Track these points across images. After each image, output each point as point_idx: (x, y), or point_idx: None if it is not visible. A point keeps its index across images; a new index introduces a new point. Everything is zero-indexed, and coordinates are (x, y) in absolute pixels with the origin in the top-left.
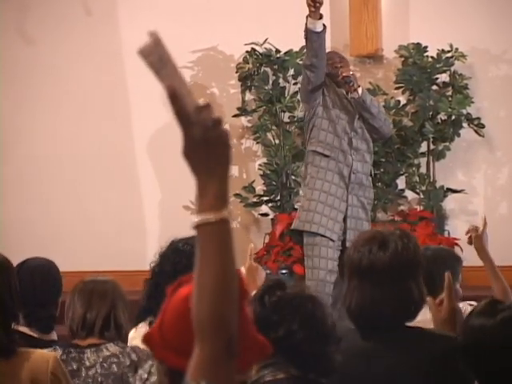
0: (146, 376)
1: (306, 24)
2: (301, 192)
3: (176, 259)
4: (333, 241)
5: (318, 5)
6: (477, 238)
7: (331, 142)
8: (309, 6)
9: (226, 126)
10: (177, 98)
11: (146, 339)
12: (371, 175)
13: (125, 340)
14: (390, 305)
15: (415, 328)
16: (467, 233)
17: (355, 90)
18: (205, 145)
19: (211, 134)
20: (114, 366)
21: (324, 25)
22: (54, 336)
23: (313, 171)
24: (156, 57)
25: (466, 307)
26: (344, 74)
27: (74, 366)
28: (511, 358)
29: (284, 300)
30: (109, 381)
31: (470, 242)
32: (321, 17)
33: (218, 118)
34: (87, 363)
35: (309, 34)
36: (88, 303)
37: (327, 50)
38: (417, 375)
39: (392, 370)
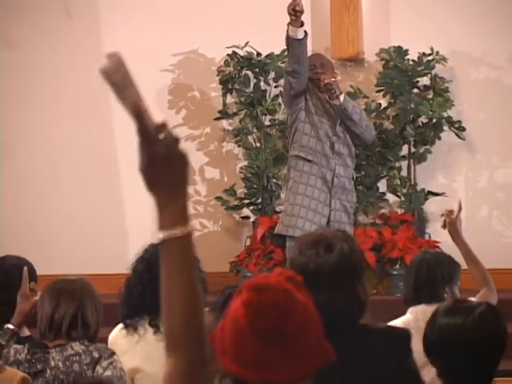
0: (101, 371)
1: (288, 31)
2: (283, 196)
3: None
4: None
5: (298, 14)
6: (451, 223)
7: (314, 146)
8: (289, 14)
9: (207, 130)
10: (141, 116)
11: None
12: (353, 179)
13: (92, 339)
14: (340, 306)
15: (364, 325)
16: (442, 216)
17: (337, 97)
18: (166, 162)
19: (173, 151)
20: (76, 364)
21: (305, 31)
22: (27, 332)
23: (296, 176)
24: (119, 76)
25: None
26: (326, 81)
27: (39, 367)
28: (477, 356)
29: None
30: (69, 378)
31: (444, 226)
32: (302, 24)
33: (177, 136)
34: (52, 363)
35: (290, 41)
36: (56, 303)
37: (310, 53)
38: (368, 371)
39: (346, 367)
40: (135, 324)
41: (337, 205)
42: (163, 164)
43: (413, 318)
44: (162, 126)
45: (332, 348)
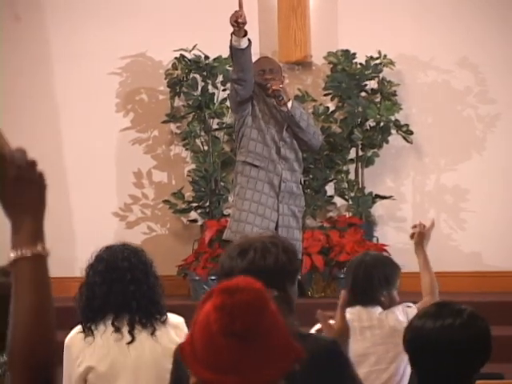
0: None
1: (231, 41)
2: (231, 199)
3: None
4: None
5: (241, 25)
6: (420, 235)
7: (261, 151)
8: (232, 25)
9: (155, 133)
10: None
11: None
12: (301, 183)
13: None
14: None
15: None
16: (414, 227)
17: (285, 103)
18: (17, 184)
19: (24, 174)
20: None
21: (249, 40)
22: None
23: (243, 181)
24: None
25: (405, 309)
26: (274, 88)
27: None
28: (457, 359)
29: None
30: None
31: (412, 236)
32: (245, 34)
33: (33, 160)
34: None
35: (234, 50)
36: None
37: (259, 57)
38: (301, 377)
39: None
40: (94, 326)
41: (285, 210)
42: (15, 185)
43: (349, 318)
44: (17, 150)
45: (300, 346)
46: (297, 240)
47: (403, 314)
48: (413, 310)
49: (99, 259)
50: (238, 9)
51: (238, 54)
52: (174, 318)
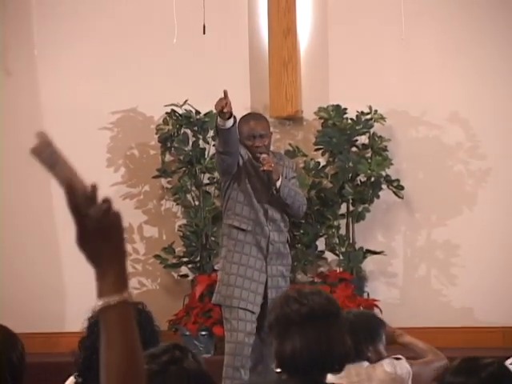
0: None
1: (216, 120)
2: (218, 266)
3: None
4: (253, 313)
5: (225, 110)
6: (400, 335)
7: (248, 214)
8: (217, 110)
9: (146, 188)
10: (73, 193)
11: None
12: (288, 242)
13: None
14: (336, 347)
15: None
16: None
17: (274, 182)
18: (98, 234)
19: (103, 223)
20: None
21: (234, 118)
22: None
23: (230, 244)
24: (47, 154)
25: (393, 362)
26: (265, 169)
27: None
28: None
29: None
30: None
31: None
32: (230, 115)
33: (108, 201)
34: None
35: (219, 129)
36: None
37: (249, 111)
38: None
39: None
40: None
41: (273, 271)
42: (96, 236)
43: (338, 377)
44: (92, 197)
45: None
46: None
47: (390, 366)
48: (401, 362)
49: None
50: (222, 96)
51: (223, 132)
52: None
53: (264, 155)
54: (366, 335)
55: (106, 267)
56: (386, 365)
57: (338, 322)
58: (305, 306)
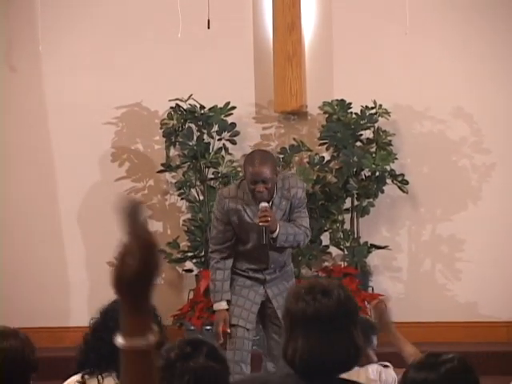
0: None
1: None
2: None
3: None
4: (252, 312)
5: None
6: (393, 334)
7: (247, 260)
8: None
9: (151, 182)
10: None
11: None
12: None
13: None
14: (338, 351)
15: (349, 381)
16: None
17: (271, 233)
18: (137, 277)
19: (145, 269)
20: None
21: (227, 301)
22: None
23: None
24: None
25: (379, 368)
26: (261, 224)
27: None
28: None
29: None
30: None
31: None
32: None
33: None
34: None
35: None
36: None
37: (254, 109)
38: None
39: None
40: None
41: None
42: (134, 279)
43: None
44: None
45: None
46: None
47: (376, 373)
48: (388, 370)
49: (114, 306)
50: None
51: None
52: None
53: (262, 205)
54: None
55: (132, 307)
56: (372, 371)
57: (345, 326)
58: (311, 306)
